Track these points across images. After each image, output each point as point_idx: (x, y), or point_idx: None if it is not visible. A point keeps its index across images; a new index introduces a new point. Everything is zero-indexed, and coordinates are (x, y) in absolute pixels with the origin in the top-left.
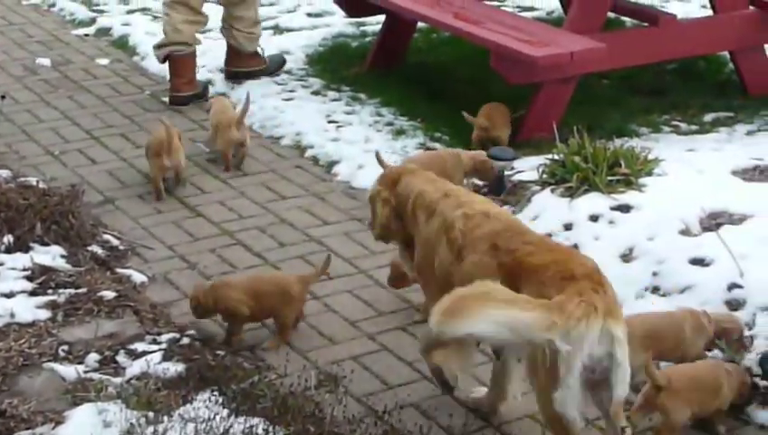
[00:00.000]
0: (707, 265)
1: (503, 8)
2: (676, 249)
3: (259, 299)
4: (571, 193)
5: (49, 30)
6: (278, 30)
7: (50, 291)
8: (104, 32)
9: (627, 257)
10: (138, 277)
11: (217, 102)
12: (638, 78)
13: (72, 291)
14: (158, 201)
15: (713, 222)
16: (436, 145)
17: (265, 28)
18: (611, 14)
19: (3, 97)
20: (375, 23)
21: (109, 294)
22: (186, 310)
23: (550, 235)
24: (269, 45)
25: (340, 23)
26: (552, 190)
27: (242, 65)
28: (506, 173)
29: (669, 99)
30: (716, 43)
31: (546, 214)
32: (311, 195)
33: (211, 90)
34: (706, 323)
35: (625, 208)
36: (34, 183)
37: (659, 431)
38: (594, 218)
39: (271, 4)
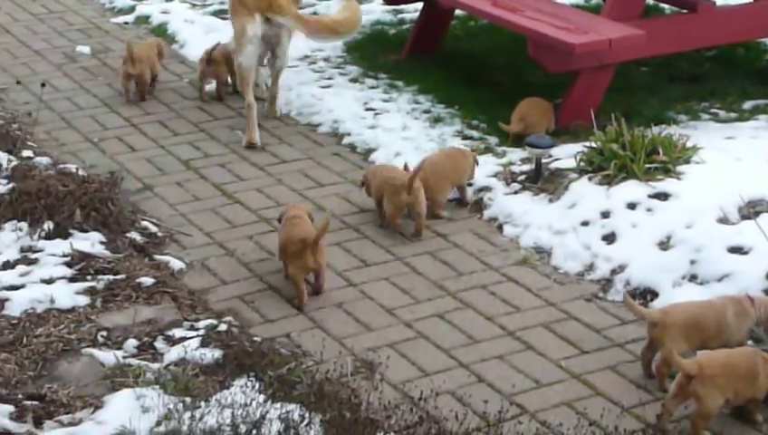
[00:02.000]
0: (746, 253)
1: None
2: (715, 237)
3: None
4: (609, 181)
5: (89, 18)
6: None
7: (89, 277)
8: (143, 20)
9: (664, 245)
10: (176, 264)
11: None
12: (676, 65)
13: (111, 277)
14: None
15: (751, 210)
16: (473, 133)
17: None
18: (650, 1)
19: (43, 85)
20: (413, 10)
21: (147, 281)
22: (222, 296)
23: (587, 223)
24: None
25: (378, 10)
26: (590, 178)
27: None
28: (543, 161)
29: (708, 86)
30: (756, 30)
31: (583, 202)
32: (348, 182)
33: None
34: (749, 308)
35: (663, 196)
36: (74, 170)
37: (694, 419)
38: (632, 206)
39: None
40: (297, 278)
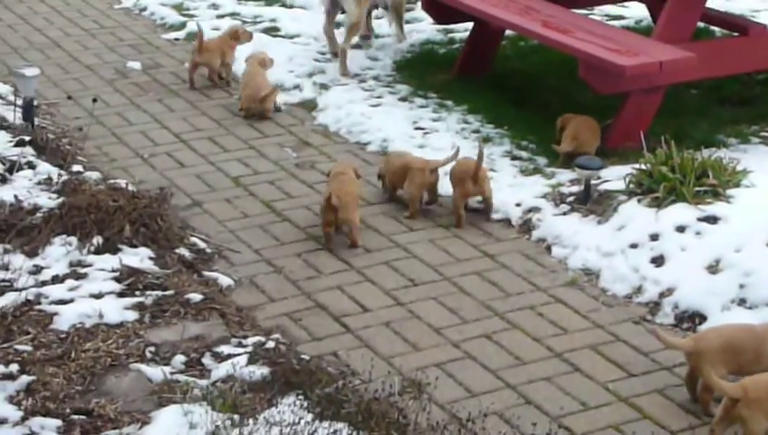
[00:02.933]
0: None
1: (591, 17)
2: (764, 261)
3: None
4: (658, 203)
5: (140, 34)
6: (366, 37)
7: (137, 292)
8: (194, 36)
9: (713, 269)
10: (224, 280)
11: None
12: (726, 88)
13: (160, 293)
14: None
15: None
16: (522, 154)
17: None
18: (701, 24)
19: (94, 100)
20: (463, 30)
21: (195, 297)
22: (270, 313)
23: (635, 245)
24: (357, 52)
25: (428, 29)
26: (639, 200)
27: None
28: (593, 182)
29: (758, 109)
30: None
31: (632, 224)
32: (396, 202)
33: (298, 95)
34: None
35: (712, 220)
36: (124, 185)
37: None
38: (681, 229)
39: None
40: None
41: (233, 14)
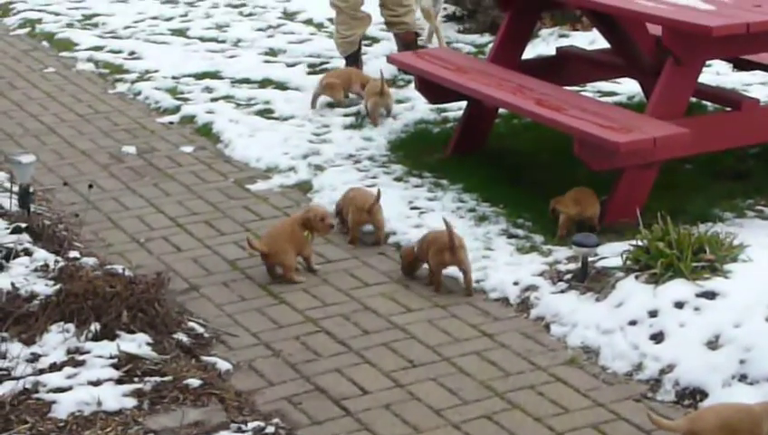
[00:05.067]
0: None
1: (583, 93)
2: (764, 336)
3: None
4: (656, 279)
5: (134, 118)
6: (359, 116)
7: (136, 379)
8: (188, 119)
9: (713, 345)
10: (223, 365)
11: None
12: (720, 162)
13: (158, 379)
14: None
15: None
16: (519, 232)
17: (347, 115)
18: (693, 99)
19: (90, 186)
20: (456, 108)
21: (194, 382)
22: (269, 398)
23: (634, 322)
24: (351, 132)
25: (421, 108)
26: (637, 277)
27: None
28: (590, 259)
29: (753, 183)
30: None
31: (630, 301)
32: (394, 282)
33: (293, 177)
34: None
35: (710, 295)
36: (120, 271)
37: None
38: (679, 305)
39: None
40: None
41: (227, 97)
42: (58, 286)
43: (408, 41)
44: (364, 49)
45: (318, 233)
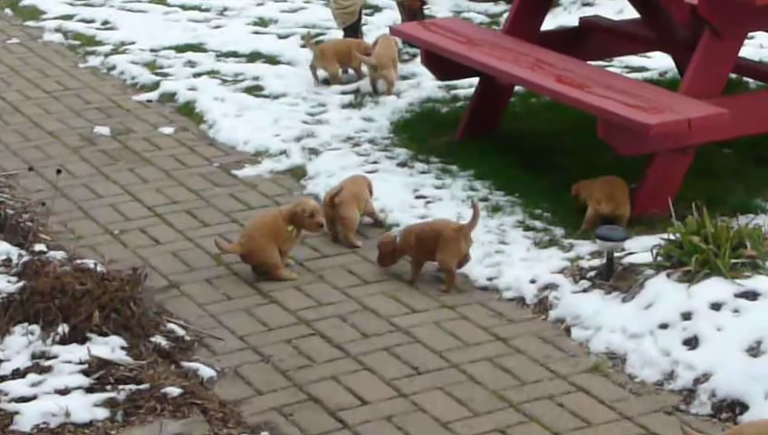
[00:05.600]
0: None
1: (609, 69)
2: None
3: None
4: (690, 278)
5: (108, 95)
6: (359, 95)
7: (108, 387)
8: (168, 97)
9: (754, 351)
10: (205, 372)
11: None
12: (762, 146)
13: (133, 387)
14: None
15: None
16: (536, 223)
17: (345, 93)
18: (732, 75)
19: (58, 171)
20: (467, 86)
21: (173, 391)
22: (258, 408)
23: (666, 325)
24: (350, 111)
25: (428, 86)
26: (668, 275)
27: None
28: (616, 255)
29: None
30: None
31: (661, 301)
32: (396, 279)
33: (285, 161)
34: None
35: (751, 295)
36: (92, 266)
37: None
38: (716, 307)
39: None
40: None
41: (211, 72)
42: (22, 283)
43: (413, 9)
44: (364, 19)
45: (306, 229)
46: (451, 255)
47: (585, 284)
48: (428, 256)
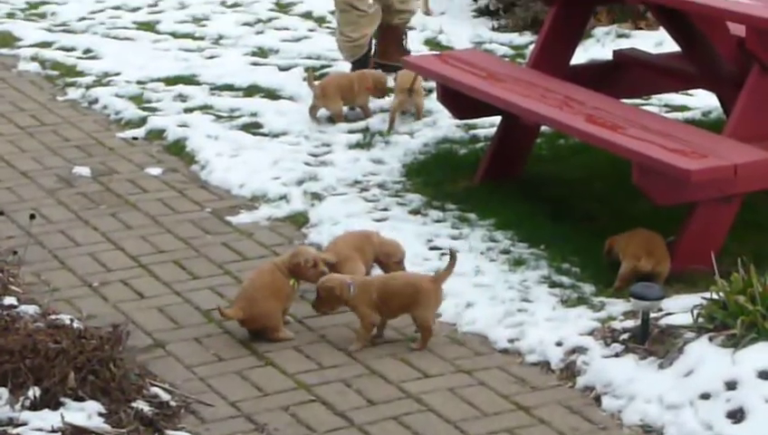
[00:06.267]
0: None
1: (646, 108)
2: None
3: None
4: (735, 342)
5: (89, 132)
6: (368, 133)
7: None
8: (156, 134)
9: None
10: None
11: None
12: None
13: None
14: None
15: None
16: (563, 279)
17: (352, 131)
18: None
19: (32, 216)
20: (488, 125)
21: None
22: None
23: (707, 395)
24: (358, 152)
25: (445, 125)
26: (711, 339)
27: None
28: (652, 316)
29: None
30: None
31: (703, 368)
32: (407, 340)
33: (285, 207)
34: None
35: None
36: (68, 322)
37: None
38: (764, 375)
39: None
40: None
41: (204, 107)
42: None
43: (398, 35)
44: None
45: (308, 281)
46: (431, 310)
47: (617, 347)
48: (396, 313)
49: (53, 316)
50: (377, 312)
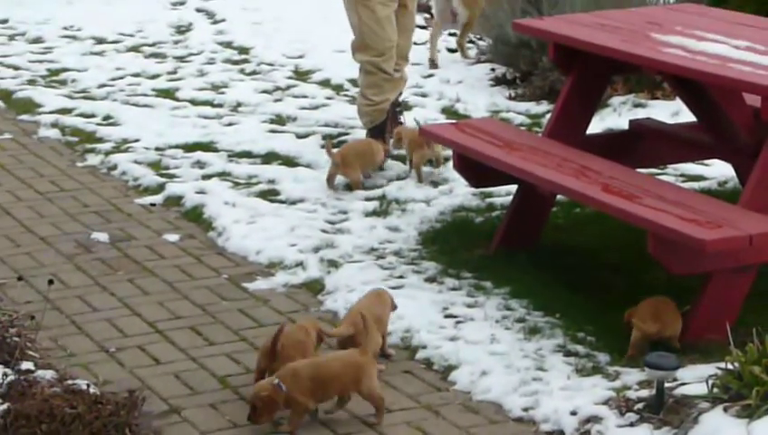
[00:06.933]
0: None
1: (662, 178)
2: None
3: None
4: (750, 413)
5: (107, 198)
6: (385, 201)
7: None
8: (174, 201)
9: None
10: None
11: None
12: None
13: None
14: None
15: None
16: (578, 348)
17: (369, 199)
18: None
19: (50, 281)
20: (505, 194)
21: None
22: None
23: None
24: (374, 220)
25: (461, 193)
26: (726, 409)
27: None
28: (667, 385)
29: None
30: None
31: None
32: (422, 407)
33: (301, 274)
34: None
35: None
36: (84, 387)
37: None
38: None
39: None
40: None
41: (222, 174)
42: (6, 406)
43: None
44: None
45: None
46: (374, 380)
47: (632, 417)
48: (332, 395)
49: (70, 381)
50: (311, 398)
